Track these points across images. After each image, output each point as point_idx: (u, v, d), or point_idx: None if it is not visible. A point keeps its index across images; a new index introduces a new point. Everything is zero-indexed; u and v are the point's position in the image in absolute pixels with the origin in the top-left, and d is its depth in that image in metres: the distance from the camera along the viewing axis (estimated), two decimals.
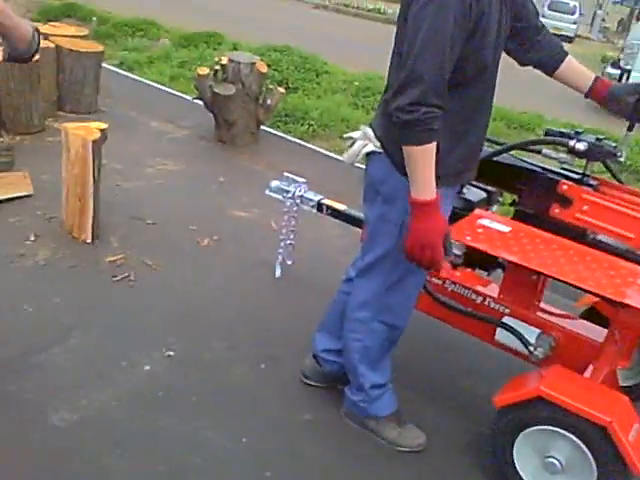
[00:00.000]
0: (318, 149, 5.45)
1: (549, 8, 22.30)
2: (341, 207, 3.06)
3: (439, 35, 1.70)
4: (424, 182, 1.81)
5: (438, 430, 2.39)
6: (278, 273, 3.25)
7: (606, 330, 2.32)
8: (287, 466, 2.13)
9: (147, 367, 2.47)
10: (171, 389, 2.38)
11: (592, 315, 2.60)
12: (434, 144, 1.77)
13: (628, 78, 8.70)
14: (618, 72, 8.94)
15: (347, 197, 3.30)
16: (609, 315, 2.39)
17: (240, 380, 2.51)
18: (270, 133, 5.54)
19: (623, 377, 2.58)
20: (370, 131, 2.02)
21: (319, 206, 3.08)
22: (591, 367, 2.25)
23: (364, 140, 2.04)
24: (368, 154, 2.04)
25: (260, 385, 2.50)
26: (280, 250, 3.23)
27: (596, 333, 2.38)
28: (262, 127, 5.35)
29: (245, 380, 2.51)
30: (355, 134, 2.09)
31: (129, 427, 2.18)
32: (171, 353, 2.57)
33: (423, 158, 1.79)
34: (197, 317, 2.85)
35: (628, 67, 8.77)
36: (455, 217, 2.34)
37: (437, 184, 1.87)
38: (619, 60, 9.51)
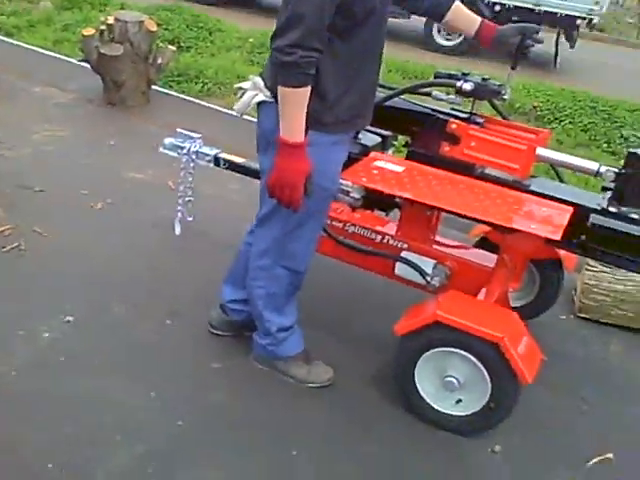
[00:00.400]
0: (213, 106, 5.35)
1: None
2: (239, 160, 3.03)
3: None
4: (293, 124, 1.85)
5: (345, 364, 2.46)
6: (178, 230, 3.20)
7: (497, 256, 2.46)
8: (199, 414, 2.14)
9: (46, 334, 2.41)
10: (73, 353, 2.33)
11: (484, 244, 2.74)
12: (308, 88, 1.82)
13: None
14: None
15: (245, 151, 3.27)
16: (499, 242, 2.52)
17: (145, 338, 2.48)
18: (163, 93, 5.39)
19: (514, 298, 2.75)
20: (260, 81, 2.02)
21: (216, 160, 3.04)
22: (484, 290, 2.38)
23: (254, 90, 2.03)
24: (259, 104, 2.03)
25: (166, 340, 2.48)
26: (179, 207, 3.18)
27: (488, 259, 2.51)
28: (154, 87, 5.18)
29: (150, 337, 2.49)
30: (245, 84, 2.08)
31: (33, 396, 2.12)
32: (70, 318, 2.51)
33: (295, 101, 1.83)
34: (95, 281, 2.78)
35: None
36: (352, 162, 2.39)
37: (329, 131, 1.92)
38: None
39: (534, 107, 6.17)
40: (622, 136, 5.73)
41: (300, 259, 2.21)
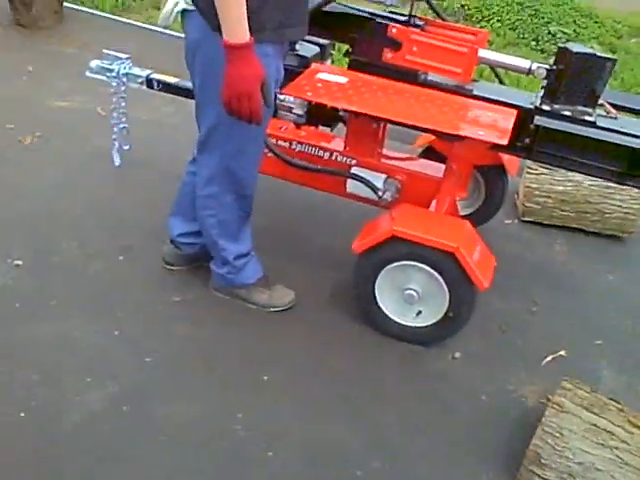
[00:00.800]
0: (133, 22, 5.04)
1: None
2: (172, 80, 2.89)
3: None
4: (236, 23, 1.71)
5: (305, 286, 2.49)
6: (117, 161, 3.08)
7: (444, 165, 2.48)
8: (166, 349, 2.14)
9: None
10: (27, 298, 2.25)
11: (430, 154, 2.76)
12: None
13: None
14: None
15: (176, 69, 3.11)
16: (445, 151, 2.53)
17: (99, 276, 2.42)
18: (76, 10, 5.02)
19: (462, 207, 2.81)
20: None
21: (149, 82, 2.89)
22: (434, 201, 2.42)
23: None
24: (182, 14, 1.89)
25: (122, 277, 2.43)
26: (114, 136, 3.04)
27: (435, 169, 2.53)
28: (65, 4, 4.82)
29: (105, 275, 2.43)
30: None
31: None
32: (19, 262, 2.41)
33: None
34: (38, 221, 2.66)
35: None
36: (292, 76, 2.32)
37: (257, 40, 1.78)
38: None
39: (462, 6, 6.11)
40: (550, 32, 5.78)
41: (246, 182, 2.15)
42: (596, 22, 6.11)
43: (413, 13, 2.36)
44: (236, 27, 1.71)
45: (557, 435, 1.69)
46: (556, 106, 2.23)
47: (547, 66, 2.24)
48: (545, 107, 2.24)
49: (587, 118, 2.21)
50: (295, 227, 2.90)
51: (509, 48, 5.67)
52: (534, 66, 2.25)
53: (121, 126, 3.03)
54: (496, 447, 1.94)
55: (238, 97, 1.78)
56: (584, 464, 1.65)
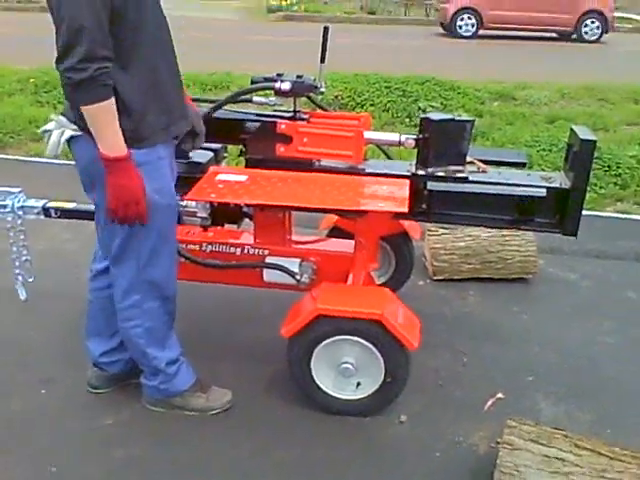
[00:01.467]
0: (15, 157, 5.00)
1: None
2: (70, 205, 2.88)
3: None
4: (111, 138, 1.81)
5: (240, 382, 2.46)
6: (23, 295, 2.97)
7: (352, 241, 2.58)
8: (106, 475, 2.03)
9: None
10: None
11: (336, 233, 2.87)
12: (112, 99, 1.77)
13: None
14: None
15: (68, 195, 3.10)
16: (350, 228, 2.64)
17: (22, 410, 2.30)
18: None
19: (376, 277, 2.91)
20: (63, 118, 1.94)
21: (46, 211, 2.85)
22: (351, 276, 2.50)
23: (60, 129, 1.95)
24: (69, 141, 1.95)
25: (48, 410, 2.31)
26: (17, 270, 2.94)
27: (346, 246, 2.63)
28: None
29: (29, 411, 2.30)
30: (49, 126, 1.98)
31: None
32: None
33: (104, 116, 1.79)
34: None
35: None
36: (192, 182, 2.39)
37: (149, 144, 1.91)
38: None
39: (336, 97, 6.50)
40: (420, 108, 6.23)
41: (165, 285, 2.15)
42: (459, 93, 6.65)
43: (297, 108, 2.51)
44: (113, 142, 1.81)
45: (514, 473, 1.74)
46: (430, 169, 2.41)
47: (414, 136, 2.43)
48: (420, 172, 2.41)
49: (459, 175, 2.39)
50: (218, 325, 2.88)
51: (386, 128, 6.04)
52: (403, 138, 2.45)
53: (23, 259, 2.95)
54: None
55: (126, 205, 1.87)
56: None
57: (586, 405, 2.39)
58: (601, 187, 4.84)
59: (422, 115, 2.48)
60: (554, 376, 2.56)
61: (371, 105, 6.40)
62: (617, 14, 18.61)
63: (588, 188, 4.86)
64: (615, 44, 12.65)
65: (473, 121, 2.41)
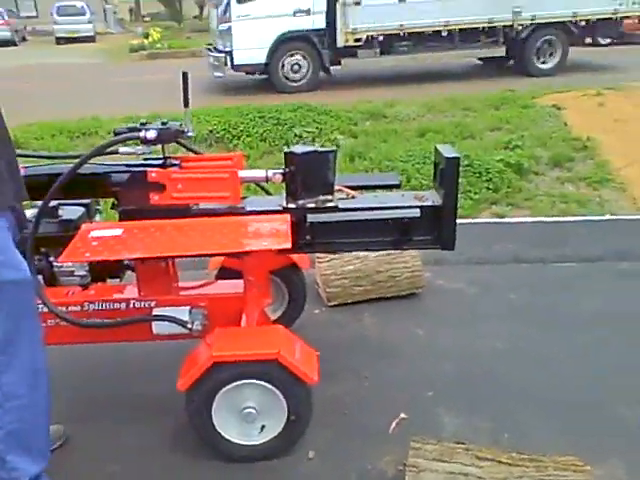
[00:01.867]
0: None
1: (58, 14, 21.82)
2: None
3: None
4: None
5: (140, 440, 2.37)
6: None
7: (242, 280, 2.55)
8: None
9: None
10: None
11: (225, 273, 2.82)
12: None
13: (232, 58, 9.27)
14: (223, 55, 9.37)
15: None
16: (238, 266, 2.61)
17: None
18: None
19: (271, 312, 2.89)
20: None
21: None
22: (244, 316, 2.46)
23: None
24: None
25: None
26: None
27: (236, 286, 2.59)
28: None
29: None
30: None
31: None
32: None
33: None
34: None
35: (228, 49, 9.29)
36: (65, 242, 2.28)
37: None
38: (214, 46, 9.92)
39: (210, 131, 6.47)
40: (296, 135, 6.31)
41: (36, 357, 1.88)
42: (332, 116, 6.82)
43: (166, 155, 2.46)
44: None
45: None
46: (300, 202, 2.43)
47: (281, 170, 2.44)
48: (291, 205, 2.43)
49: (329, 205, 2.43)
50: (112, 383, 2.75)
51: (265, 157, 6.07)
52: (270, 174, 2.46)
53: None
54: None
55: None
56: None
57: (485, 413, 2.47)
58: (475, 193, 5.09)
59: (286, 150, 2.50)
60: (452, 388, 2.64)
61: (247, 136, 6.41)
62: None
63: (463, 195, 5.11)
64: None
65: (335, 151, 2.46)
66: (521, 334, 3.02)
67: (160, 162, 2.44)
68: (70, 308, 2.51)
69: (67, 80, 11.77)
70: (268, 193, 2.94)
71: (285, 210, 2.43)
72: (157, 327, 2.46)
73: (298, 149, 2.45)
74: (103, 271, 2.58)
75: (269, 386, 2.16)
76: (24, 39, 23.15)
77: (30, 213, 2.50)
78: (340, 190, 2.51)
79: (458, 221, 2.42)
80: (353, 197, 2.51)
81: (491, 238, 4.20)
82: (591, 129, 6.38)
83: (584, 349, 2.89)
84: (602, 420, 2.43)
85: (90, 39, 21.57)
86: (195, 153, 2.69)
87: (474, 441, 2.12)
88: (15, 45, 21.15)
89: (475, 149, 5.70)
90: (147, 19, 28.00)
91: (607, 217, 4.66)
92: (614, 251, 3.89)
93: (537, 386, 2.63)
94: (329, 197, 2.45)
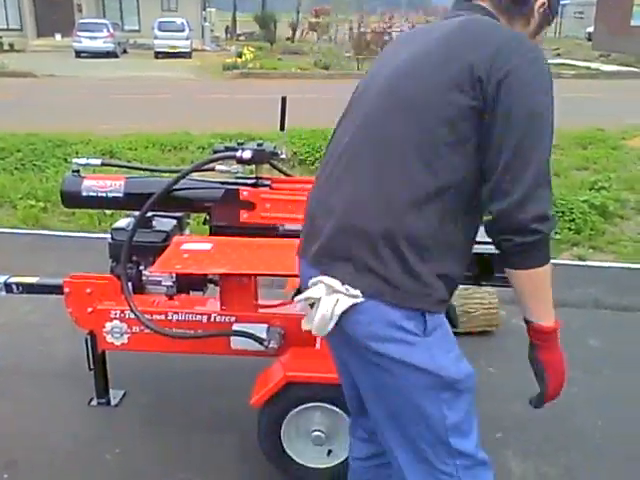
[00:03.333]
0: None
1: (160, 29, 22.87)
2: (32, 280, 2.85)
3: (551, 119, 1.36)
4: (550, 304, 1.44)
5: (212, 454, 2.44)
6: None
7: None
8: None
9: None
10: None
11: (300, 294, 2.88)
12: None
13: None
14: None
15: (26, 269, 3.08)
16: None
17: None
18: None
19: None
20: (334, 281, 1.41)
21: (7, 287, 2.82)
22: (319, 339, 2.51)
23: (332, 295, 1.41)
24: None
25: None
26: None
27: None
28: None
29: None
30: (314, 293, 1.45)
31: None
32: None
33: (549, 276, 1.41)
34: None
35: None
36: (156, 251, 2.40)
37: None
38: None
39: (295, 153, 6.61)
40: None
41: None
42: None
43: (258, 175, 2.56)
44: (551, 308, 1.44)
45: None
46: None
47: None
48: None
49: None
50: (187, 396, 2.84)
51: None
52: None
53: None
54: None
55: (563, 380, 1.50)
56: None
57: (554, 460, 2.42)
58: (557, 233, 4.98)
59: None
60: (522, 432, 2.59)
61: None
62: (558, 60, 19.56)
63: None
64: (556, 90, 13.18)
65: None
66: (599, 381, 2.94)
67: (252, 182, 2.54)
68: (154, 317, 2.62)
69: (161, 93, 12.29)
70: None
71: None
72: (235, 342, 2.53)
73: None
74: (188, 283, 2.69)
75: (340, 411, 2.19)
76: (125, 51, 24.31)
77: (125, 222, 2.67)
78: None
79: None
80: None
81: (571, 280, 4.09)
82: None
83: None
84: None
85: (187, 55, 22.46)
86: (285, 175, 2.78)
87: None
88: (116, 57, 22.26)
89: (559, 188, 5.59)
90: (242, 38, 28.94)
91: None
92: None
93: (615, 438, 2.55)
94: None
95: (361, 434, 1.80)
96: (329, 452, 2.26)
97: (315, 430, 2.23)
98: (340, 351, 1.60)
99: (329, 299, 1.41)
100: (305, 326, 1.51)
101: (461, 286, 3.21)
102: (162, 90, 12.83)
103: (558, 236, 4.93)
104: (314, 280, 1.46)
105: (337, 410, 2.19)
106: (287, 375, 2.16)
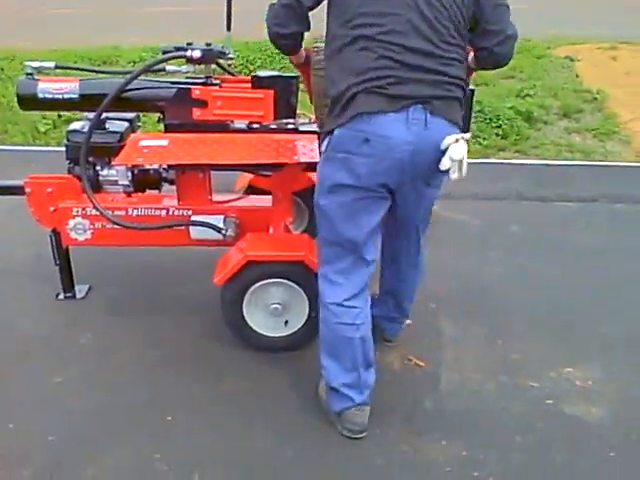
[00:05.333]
0: None
1: None
2: None
3: None
4: None
5: (181, 333, 2.69)
6: None
7: (269, 197, 2.81)
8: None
9: None
10: None
11: (251, 191, 3.08)
12: None
13: None
14: None
15: None
16: (265, 185, 2.86)
17: None
18: None
19: (292, 230, 3.15)
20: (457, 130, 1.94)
21: None
22: (271, 228, 2.74)
23: (457, 141, 1.90)
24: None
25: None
26: None
27: (263, 202, 2.85)
28: None
29: None
30: (449, 139, 1.90)
31: None
32: None
33: None
34: None
35: None
36: (113, 151, 2.53)
37: None
38: None
39: (228, 65, 6.61)
40: None
41: None
42: None
43: (209, 74, 2.69)
44: None
45: None
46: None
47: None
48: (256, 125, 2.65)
49: (290, 127, 2.65)
50: (151, 285, 3.05)
51: None
52: None
53: None
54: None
55: None
56: None
57: (480, 324, 2.79)
58: (484, 139, 5.31)
59: (252, 74, 2.71)
60: (453, 302, 2.94)
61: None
62: None
63: (473, 141, 5.29)
64: None
65: (298, 77, 2.66)
66: (521, 262, 3.32)
67: (202, 81, 2.67)
68: (115, 212, 2.78)
69: (85, 9, 11.73)
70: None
71: (313, 132, 2.66)
72: (195, 233, 2.74)
73: (262, 73, 2.67)
74: (144, 181, 2.84)
75: (295, 285, 2.45)
76: None
77: (80, 124, 2.77)
78: (303, 115, 2.73)
79: (467, 161, 2.64)
80: (314, 122, 2.71)
81: (496, 176, 4.45)
82: (602, 82, 6.55)
83: (579, 276, 3.19)
84: (586, 333, 2.75)
85: None
86: (231, 75, 2.90)
87: (470, 346, 2.43)
88: None
89: (487, 96, 5.87)
90: None
91: (606, 163, 4.92)
92: (610, 194, 4.16)
93: (533, 305, 2.93)
94: (291, 120, 2.65)
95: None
96: (286, 322, 2.54)
97: (273, 304, 2.50)
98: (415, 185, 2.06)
99: (457, 144, 1.89)
100: (453, 175, 1.95)
101: None
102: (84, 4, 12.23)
103: (486, 142, 5.26)
104: (454, 137, 1.89)
105: (293, 285, 2.45)
106: (247, 255, 2.39)
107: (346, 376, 2.13)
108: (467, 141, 1.92)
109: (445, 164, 1.91)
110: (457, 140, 1.89)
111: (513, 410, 2.30)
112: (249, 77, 2.77)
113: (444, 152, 1.90)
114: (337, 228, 2.03)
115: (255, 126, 2.67)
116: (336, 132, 1.93)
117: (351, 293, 2.09)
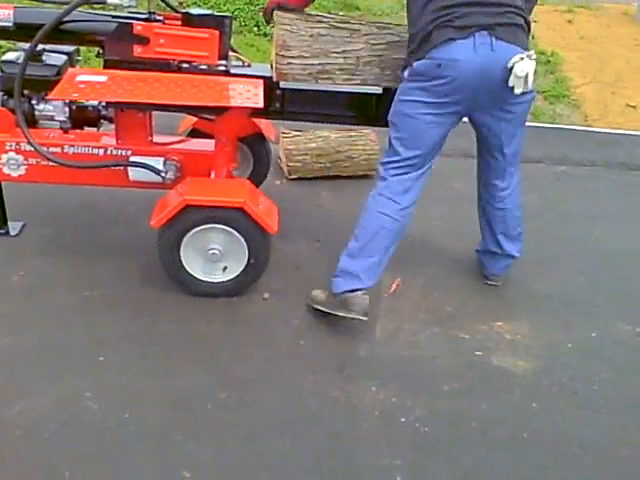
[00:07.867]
0: None
1: None
2: None
3: None
4: None
5: (117, 277, 2.64)
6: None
7: (212, 141, 2.75)
8: None
9: None
10: None
11: (195, 134, 3.02)
12: None
13: None
14: None
15: None
16: (209, 129, 2.80)
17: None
18: None
19: (236, 176, 3.11)
20: (517, 48, 2.15)
21: None
22: (213, 172, 2.69)
23: (521, 59, 2.12)
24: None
25: None
26: None
27: (206, 145, 2.80)
28: None
29: None
30: (515, 58, 2.12)
31: None
32: None
33: None
34: None
35: None
36: (48, 85, 2.43)
37: None
38: None
39: (180, 3, 6.38)
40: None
41: None
42: None
43: (151, 10, 2.58)
44: None
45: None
46: (194, 62, 2.57)
47: None
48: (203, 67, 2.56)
49: (221, 68, 2.58)
50: (86, 227, 2.98)
51: (235, 37, 6.09)
52: None
53: None
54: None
55: None
56: None
57: (418, 274, 2.84)
58: None
59: (182, 10, 2.63)
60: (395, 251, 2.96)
61: (218, 11, 6.37)
62: None
63: None
64: None
65: (232, 18, 2.60)
66: (459, 215, 3.36)
67: (145, 16, 2.56)
68: (51, 149, 2.68)
69: None
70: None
71: (259, 76, 2.60)
72: (133, 174, 2.67)
73: (195, 11, 2.59)
74: (82, 118, 2.74)
75: (233, 231, 2.43)
76: None
77: (15, 55, 2.64)
78: (237, 57, 2.67)
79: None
80: (249, 65, 2.66)
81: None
82: (557, 45, 6.59)
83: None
84: (520, 290, 2.83)
85: None
86: (175, 12, 2.80)
87: (406, 297, 2.48)
88: None
89: None
90: None
91: (554, 125, 4.98)
92: (555, 156, 4.23)
93: (472, 260, 2.97)
94: (223, 62, 2.59)
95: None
96: (224, 268, 2.52)
97: (211, 249, 2.48)
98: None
99: (529, 63, 2.12)
100: (517, 90, 2.16)
101: (347, 133, 3.50)
102: None
103: None
104: (518, 55, 2.11)
105: (231, 230, 2.43)
106: (186, 199, 2.35)
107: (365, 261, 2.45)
108: (534, 59, 2.14)
109: (512, 80, 2.14)
110: (522, 58, 2.11)
111: (443, 360, 2.37)
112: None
113: (511, 70, 2.13)
114: (408, 141, 2.33)
115: (185, 66, 2.58)
116: (415, 64, 2.22)
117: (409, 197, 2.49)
